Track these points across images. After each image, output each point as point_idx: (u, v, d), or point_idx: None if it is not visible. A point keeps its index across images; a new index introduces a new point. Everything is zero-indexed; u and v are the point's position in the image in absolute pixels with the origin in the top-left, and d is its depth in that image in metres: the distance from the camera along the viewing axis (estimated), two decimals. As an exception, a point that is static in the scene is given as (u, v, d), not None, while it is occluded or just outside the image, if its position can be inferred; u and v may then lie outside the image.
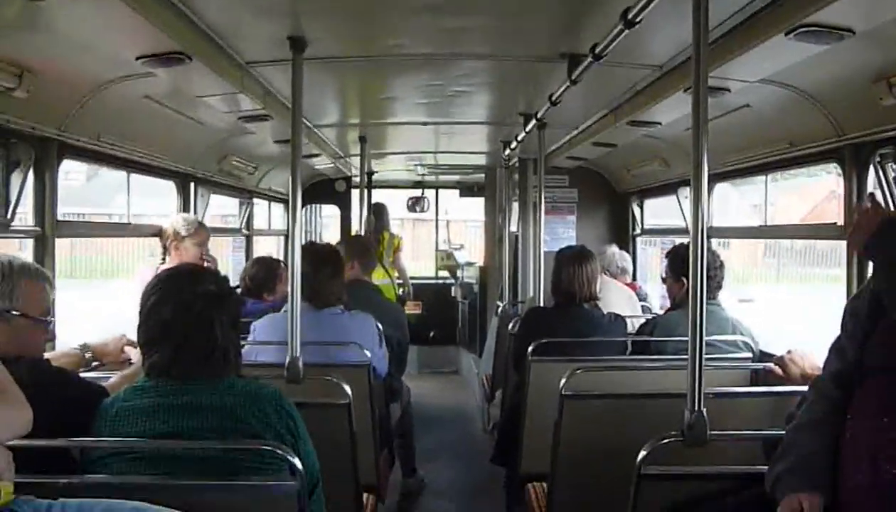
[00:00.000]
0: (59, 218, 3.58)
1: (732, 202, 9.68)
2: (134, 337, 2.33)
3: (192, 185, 5.24)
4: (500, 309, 7.12)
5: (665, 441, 2.28)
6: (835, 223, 3.59)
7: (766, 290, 19.01)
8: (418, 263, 12.78)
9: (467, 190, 10.50)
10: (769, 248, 20.50)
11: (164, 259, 4.80)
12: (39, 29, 2.63)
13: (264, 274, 5.12)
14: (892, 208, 3.22)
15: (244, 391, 2.20)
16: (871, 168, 3.32)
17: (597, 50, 3.02)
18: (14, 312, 2.32)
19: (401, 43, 3.36)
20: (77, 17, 2.46)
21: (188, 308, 2.17)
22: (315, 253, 3.95)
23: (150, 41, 2.72)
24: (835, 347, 1.92)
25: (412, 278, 9.54)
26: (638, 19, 2.54)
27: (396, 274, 8.66)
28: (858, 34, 2.46)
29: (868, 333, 1.74)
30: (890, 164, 3.26)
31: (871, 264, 1.93)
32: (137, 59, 2.89)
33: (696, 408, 2.26)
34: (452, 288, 10.01)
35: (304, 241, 8.25)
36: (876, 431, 1.65)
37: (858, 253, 1.76)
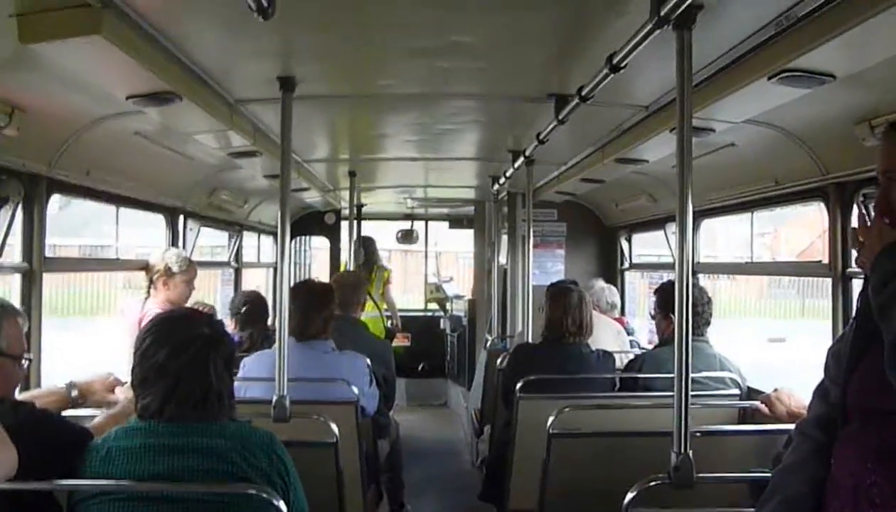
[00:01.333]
0: (48, 254, 3.57)
1: (731, 229, 9.66)
2: (119, 375, 2.31)
3: (182, 218, 5.23)
4: (488, 343, 7.11)
5: (652, 484, 2.28)
6: (819, 261, 3.61)
7: (794, 327, 17.30)
8: (408, 295, 12.75)
9: (457, 222, 10.54)
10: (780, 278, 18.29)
11: (148, 293, 4.72)
12: (31, 68, 2.63)
13: (260, 306, 5.14)
14: None
15: (236, 435, 2.18)
16: (855, 207, 3.36)
17: (583, 92, 3.05)
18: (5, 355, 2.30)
19: (390, 83, 3.39)
20: (68, 57, 2.47)
21: (183, 351, 2.16)
22: (303, 285, 4.07)
23: (140, 81, 2.73)
24: (818, 391, 1.93)
25: (401, 310, 9.53)
26: (623, 64, 2.57)
27: (385, 307, 8.65)
28: (840, 79, 2.50)
29: (849, 377, 1.75)
30: (873, 203, 3.28)
31: (855, 301, 1.92)
32: (128, 98, 2.91)
33: (682, 450, 2.26)
34: (441, 320, 10.00)
35: (292, 273, 8.22)
36: (858, 475, 1.65)
37: (867, 271, 1.73)
